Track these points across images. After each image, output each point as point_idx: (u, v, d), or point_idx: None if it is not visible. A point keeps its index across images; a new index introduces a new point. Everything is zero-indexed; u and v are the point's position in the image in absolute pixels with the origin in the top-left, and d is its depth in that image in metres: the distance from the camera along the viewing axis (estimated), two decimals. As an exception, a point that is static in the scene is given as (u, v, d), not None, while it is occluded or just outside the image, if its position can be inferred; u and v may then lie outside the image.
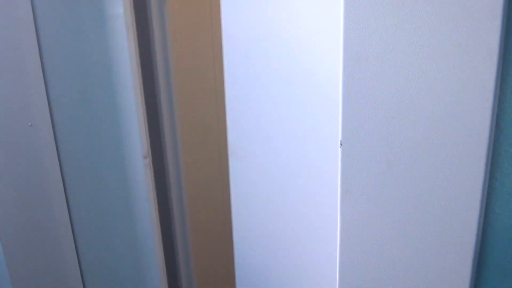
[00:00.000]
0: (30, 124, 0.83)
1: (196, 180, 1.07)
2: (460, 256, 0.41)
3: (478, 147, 0.37)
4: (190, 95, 1.03)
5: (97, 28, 0.78)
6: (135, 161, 0.85)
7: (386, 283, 0.46)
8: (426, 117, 0.39)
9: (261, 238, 0.63)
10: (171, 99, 0.93)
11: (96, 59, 0.81)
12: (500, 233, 0.40)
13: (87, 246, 0.98)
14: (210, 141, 1.11)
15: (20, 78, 0.81)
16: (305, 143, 0.52)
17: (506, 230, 0.40)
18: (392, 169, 0.42)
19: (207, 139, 1.11)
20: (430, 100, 0.38)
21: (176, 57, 0.93)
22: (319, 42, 0.48)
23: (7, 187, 0.81)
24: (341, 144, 0.44)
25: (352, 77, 0.41)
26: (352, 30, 0.40)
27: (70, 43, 0.82)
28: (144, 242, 0.91)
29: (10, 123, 0.80)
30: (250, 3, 0.54)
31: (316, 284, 0.57)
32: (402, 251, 0.44)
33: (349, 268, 0.47)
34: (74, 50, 0.82)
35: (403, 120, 0.40)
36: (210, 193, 1.14)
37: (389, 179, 0.42)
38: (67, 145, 0.90)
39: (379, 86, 0.40)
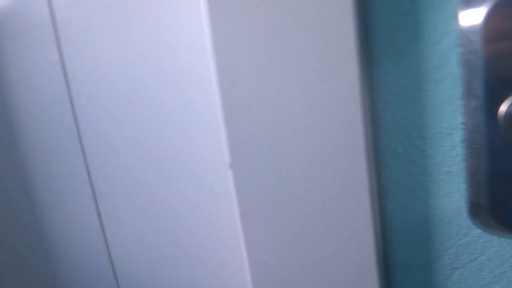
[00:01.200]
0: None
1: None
2: (364, 257, 0.41)
3: (356, 148, 0.38)
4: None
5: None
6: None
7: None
8: (303, 126, 0.39)
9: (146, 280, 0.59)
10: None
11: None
12: (398, 228, 0.40)
13: None
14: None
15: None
16: (196, 169, 0.50)
17: (403, 224, 0.40)
18: (283, 184, 0.41)
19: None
20: (302, 109, 0.38)
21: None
22: (192, 68, 0.47)
23: None
24: (230, 166, 0.43)
25: (229, 99, 0.40)
26: (222, 52, 0.39)
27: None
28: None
29: None
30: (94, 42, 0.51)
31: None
32: (311, 263, 0.43)
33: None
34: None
35: (283, 132, 0.39)
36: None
37: (282, 194, 0.41)
38: None
39: (257, 103, 0.40)
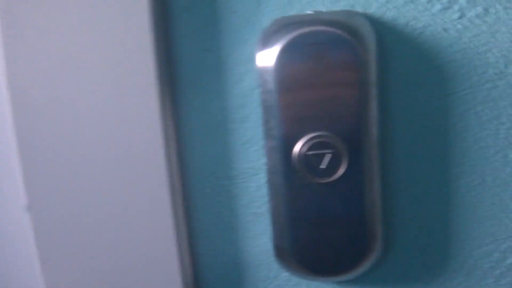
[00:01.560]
0: None
1: None
2: (172, 309, 0.37)
3: (161, 189, 0.35)
4: None
5: None
6: None
7: None
8: (104, 166, 0.35)
9: None
10: None
11: None
12: (209, 273, 0.38)
13: None
14: None
15: None
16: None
17: (214, 269, 0.38)
18: (84, 229, 0.37)
19: None
20: (101, 148, 0.35)
21: None
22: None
23: None
24: (27, 209, 0.37)
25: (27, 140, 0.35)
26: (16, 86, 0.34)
27: None
28: None
29: None
30: None
31: None
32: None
33: None
34: None
35: (84, 173, 0.35)
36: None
37: (83, 239, 0.37)
38: None
39: (54, 144, 0.35)
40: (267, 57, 0.32)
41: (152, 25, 0.33)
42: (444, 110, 0.32)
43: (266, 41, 0.32)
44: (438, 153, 0.33)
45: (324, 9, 0.32)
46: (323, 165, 0.33)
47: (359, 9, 0.32)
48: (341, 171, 0.32)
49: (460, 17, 0.31)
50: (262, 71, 0.32)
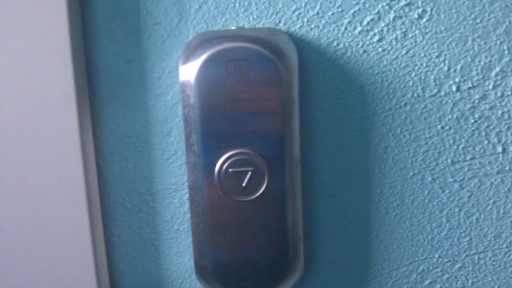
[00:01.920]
0: None
1: None
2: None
3: (78, 203, 0.34)
4: None
5: None
6: None
7: None
8: (19, 180, 0.33)
9: None
10: None
11: None
12: (129, 293, 0.37)
13: None
14: None
15: None
16: None
17: (135, 287, 0.36)
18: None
19: None
20: (17, 160, 0.33)
21: None
22: None
23: None
24: None
25: None
26: None
27: None
28: None
29: None
30: None
31: None
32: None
33: None
34: None
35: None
36: None
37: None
38: None
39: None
40: (188, 71, 0.31)
41: (71, 35, 0.32)
42: (365, 131, 0.32)
43: (188, 55, 0.32)
44: (359, 173, 0.33)
45: (247, 26, 0.32)
46: (244, 183, 0.32)
47: (282, 27, 0.32)
48: (262, 189, 0.32)
49: (379, 40, 0.31)
50: (184, 85, 0.32)
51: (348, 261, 0.35)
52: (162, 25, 0.32)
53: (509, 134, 0.32)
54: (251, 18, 0.32)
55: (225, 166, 0.32)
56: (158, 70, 0.33)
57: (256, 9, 0.32)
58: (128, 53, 0.33)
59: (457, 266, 0.34)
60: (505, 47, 0.30)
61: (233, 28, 0.32)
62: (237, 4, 0.32)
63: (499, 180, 0.33)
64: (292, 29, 0.32)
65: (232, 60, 0.31)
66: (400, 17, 0.30)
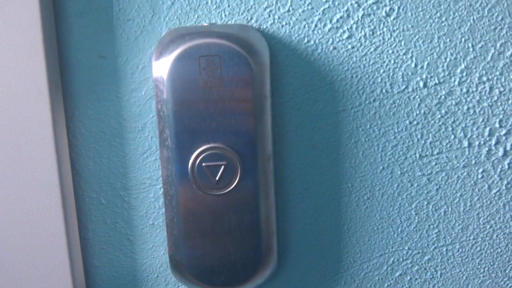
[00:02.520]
0: None
1: None
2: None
3: (52, 197, 0.34)
4: None
5: None
6: None
7: None
8: (-12, 170, 0.33)
9: None
10: None
11: None
12: (104, 287, 0.37)
13: None
14: None
15: None
16: None
17: (110, 282, 0.37)
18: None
19: None
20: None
21: None
22: None
23: None
24: None
25: None
26: None
27: None
28: None
29: None
30: None
31: None
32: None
33: None
34: None
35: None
36: None
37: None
38: None
39: None
40: (161, 67, 0.31)
41: (43, 30, 0.32)
42: (336, 126, 0.33)
43: (161, 51, 0.32)
44: (330, 168, 0.34)
45: (219, 22, 0.32)
46: (217, 177, 0.33)
47: (254, 24, 0.32)
48: (234, 183, 0.32)
49: (349, 37, 0.32)
50: (157, 81, 0.32)
51: (320, 253, 0.35)
52: (135, 21, 0.32)
53: (474, 129, 0.33)
54: (223, 15, 0.32)
55: (198, 161, 0.32)
56: (131, 65, 0.33)
57: (228, 6, 0.32)
58: (101, 48, 0.33)
59: (426, 257, 0.35)
60: (470, 44, 0.31)
61: (205, 24, 0.32)
62: (209, 1, 0.32)
63: (465, 173, 0.34)
64: (264, 26, 0.32)
65: (204, 56, 0.31)
66: (369, 14, 0.31)
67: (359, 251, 0.35)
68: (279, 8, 0.32)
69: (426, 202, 0.34)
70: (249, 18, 0.32)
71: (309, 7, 0.31)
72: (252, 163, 0.33)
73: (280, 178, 0.34)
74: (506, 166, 0.33)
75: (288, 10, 0.32)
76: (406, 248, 0.35)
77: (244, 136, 0.32)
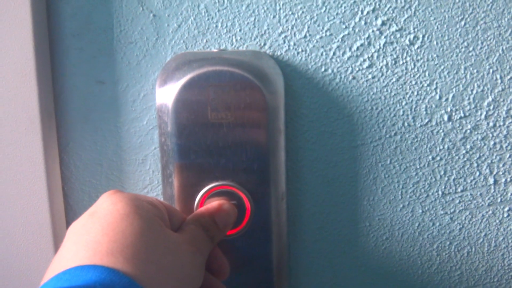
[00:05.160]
0: None
1: None
2: None
3: (43, 236, 0.31)
4: None
5: None
6: None
7: None
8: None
9: None
10: None
11: None
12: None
13: None
14: None
15: None
16: None
17: None
18: None
19: None
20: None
21: None
22: None
23: None
24: None
25: None
26: None
27: None
28: None
29: None
30: None
31: None
32: None
33: None
34: None
35: None
36: None
37: None
38: None
39: None
40: (166, 95, 0.29)
41: (36, 52, 0.29)
42: (354, 161, 0.31)
43: (165, 78, 0.29)
44: (346, 205, 0.31)
45: (230, 48, 0.30)
46: (225, 217, 0.30)
47: (267, 50, 0.30)
48: (244, 224, 0.29)
49: (369, 66, 0.29)
50: (161, 110, 0.29)
51: (334, 297, 0.33)
52: (137, 44, 0.30)
53: (500, 165, 0.31)
54: (234, 40, 0.30)
55: (205, 200, 0.29)
56: (132, 92, 0.30)
57: (240, 30, 0.29)
58: (100, 73, 0.30)
59: (446, 300, 0.33)
60: (498, 76, 0.29)
61: (215, 50, 0.29)
62: (219, 24, 0.29)
63: (490, 212, 0.31)
64: (278, 53, 0.30)
65: (214, 85, 0.29)
66: (391, 43, 0.29)
67: (376, 294, 0.33)
68: (295, 33, 0.29)
69: (448, 243, 0.32)
70: (262, 44, 0.30)
71: (327, 34, 0.29)
72: (263, 202, 0.30)
73: (293, 216, 0.31)
74: (533, 204, 0.31)
75: (305, 36, 0.29)
76: (426, 290, 0.33)
77: (255, 174, 0.29)
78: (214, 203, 0.27)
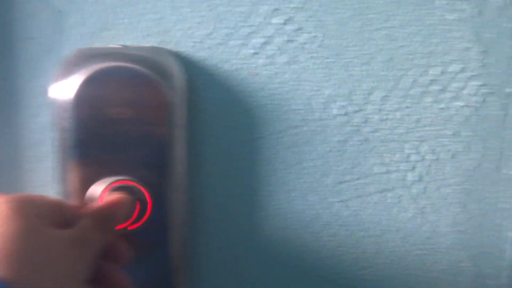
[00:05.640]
0: None
1: None
2: None
3: None
4: None
5: None
6: None
7: None
8: None
9: None
10: None
11: None
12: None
13: None
14: None
15: None
16: None
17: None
18: None
19: None
20: None
21: None
22: None
23: None
24: None
25: None
26: None
27: None
28: None
29: None
30: None
31: None
32: None
33: None
34: None
35: None
36: None
37: None
38: None
39: None
40: (65, 91, 0.29)
41: None
42: (253, 154, 0.32)
43: (65, 73, 0.29)
44: (246, 196, 0.33)
45: (132, 44, 0.30)
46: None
47: (169, 46, 0.30)
48: (144, 218, 0.30)
49: (270, 63, 0.31)
50: (60, 106, 0.29)
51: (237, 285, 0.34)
52: (37, 40, 0.29)
53: (389, 155, 0.33)
54: (136, 36, 0.30)
55: (104, 196, 0.29)
56: (31, 88, 0.30)
57: (143, 26, 0.30)
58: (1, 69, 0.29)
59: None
60: (388, 73, 0.32)
61: (116, 46, 0.30)
62: (124, 21, 0.30)
63: (376, 198, 0.34)
64: (182, 49, 0.30)
65: (114, 81, 0.29)
66: (291, 41, 0.31)
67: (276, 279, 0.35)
68: (198, 30, 0.30)
69: (343, 228, 0.34)
70: (164, 41, 0.30)
71: (230, 31, 0.30)
72: (164, 196, 0.30)
73: (195, 208, 0.32)
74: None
75: (209, 34, 0.30)
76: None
77: (155, 168, 0.30)
78: (111, 197, 0.28)
